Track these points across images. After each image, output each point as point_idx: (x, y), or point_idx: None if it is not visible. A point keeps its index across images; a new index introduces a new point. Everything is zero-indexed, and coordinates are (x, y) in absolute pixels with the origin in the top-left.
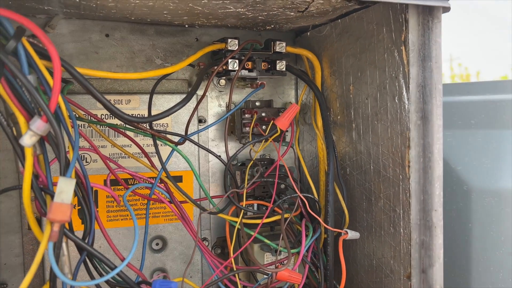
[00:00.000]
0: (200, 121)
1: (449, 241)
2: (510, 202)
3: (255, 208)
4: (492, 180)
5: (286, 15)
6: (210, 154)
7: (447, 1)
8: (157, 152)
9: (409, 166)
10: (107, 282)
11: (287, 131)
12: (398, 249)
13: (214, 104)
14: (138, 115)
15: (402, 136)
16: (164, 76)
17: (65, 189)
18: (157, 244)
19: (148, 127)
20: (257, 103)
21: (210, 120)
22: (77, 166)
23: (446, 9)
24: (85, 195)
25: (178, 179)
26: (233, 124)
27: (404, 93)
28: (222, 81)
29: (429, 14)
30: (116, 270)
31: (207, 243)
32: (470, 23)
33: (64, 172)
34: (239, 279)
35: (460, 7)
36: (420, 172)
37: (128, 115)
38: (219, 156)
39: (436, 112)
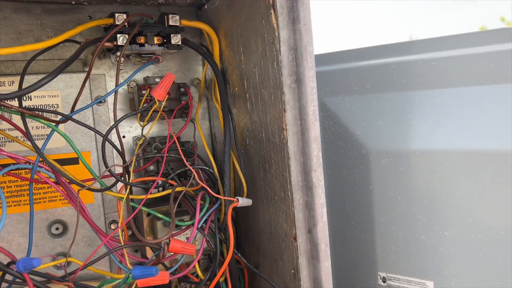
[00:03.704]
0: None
1: (354, 204)
2: (403, 162)
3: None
4: (386, 142)
5: None
6: (115, 135)
7: None
8: (28, 133)
9: (286, 129)
10: None
11: (187, 104)
12: (288, 212)
13: (114, 83)
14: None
15: (282, 100)
16: (41, 52)
17: None
18: (57, 228)
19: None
20: (157, 79)
21: (110, 99)
22: None
23: None
24: None
25: (73, 161)
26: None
27: (280, 57)
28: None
29: None
30: None
31: (116, 226)
32: (431, 2)
33: None
34: (147, 258)
35: None
36: (298, 134)
37: None
38: (96, 130)
39: (308, 74)
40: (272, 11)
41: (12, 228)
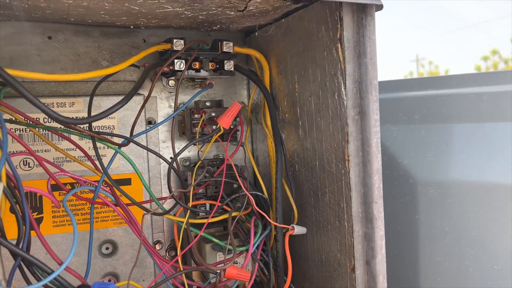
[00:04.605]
0: (149, 122)
1: (398, 233)
2: (452, 193)
3: (208, 208)
4: (435, 172)
5: (227, 15)
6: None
7: None
8: (97, 154)
9: (348, 160)
10: (45, 287)
11: (237, 130)
12: (343, 242)
13: (164, 105)
14: (82, 118)
15: (342, 131)
16: (106, 77)
17: None
18: (107, 248)
19: (88, 129)
20: (207, 103)
21: (158, 121)
22: (10, 171)
23: (379, 7)
24: (18, 199)
25: (126, 181)
26: (184, 125)
27: (343, 89)
28: (171, 82)
29: (362, 12)
30: (53, 275)
31: (160, 246)
32: (436, 24)
33: None
34: (193, 280)
35: (426, 8)
36: (360, 165)
37: (64, 116)
38: (161, 155)
39: (372, 107)
40: (338, 44)
41: (65, 247)
